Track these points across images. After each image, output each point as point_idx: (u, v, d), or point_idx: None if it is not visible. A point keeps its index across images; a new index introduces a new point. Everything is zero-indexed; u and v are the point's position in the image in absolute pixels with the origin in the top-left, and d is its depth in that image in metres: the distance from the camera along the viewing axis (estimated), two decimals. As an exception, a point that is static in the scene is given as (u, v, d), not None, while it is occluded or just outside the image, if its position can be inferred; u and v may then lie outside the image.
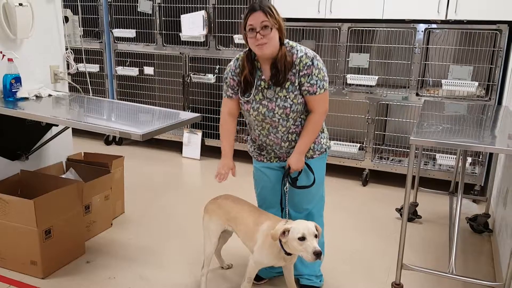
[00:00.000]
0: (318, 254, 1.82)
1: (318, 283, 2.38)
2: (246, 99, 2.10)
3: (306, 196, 2.21)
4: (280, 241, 1.93)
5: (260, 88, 2.07)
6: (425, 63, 3.74)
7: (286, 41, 2.04)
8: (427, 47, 3.73)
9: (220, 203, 2.25)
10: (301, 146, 2.09)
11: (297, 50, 2.01)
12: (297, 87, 2.02)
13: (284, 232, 1.90)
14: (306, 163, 2.15)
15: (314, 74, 1.99)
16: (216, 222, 2.22)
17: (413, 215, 3.25)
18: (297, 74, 2.00)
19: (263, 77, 2.06)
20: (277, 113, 2.05)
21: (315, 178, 2.16)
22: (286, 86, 2.02)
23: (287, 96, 2.03)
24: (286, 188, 2.17)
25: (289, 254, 1.97)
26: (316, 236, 1.88)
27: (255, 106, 2.08)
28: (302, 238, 1.86)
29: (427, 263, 2.68)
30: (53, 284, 2.37)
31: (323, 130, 2.22)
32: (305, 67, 1.98)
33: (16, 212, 2.35)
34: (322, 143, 2.19)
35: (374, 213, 3.40)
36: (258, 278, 2.43)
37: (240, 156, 3.62)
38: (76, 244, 2.63)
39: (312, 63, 1.99)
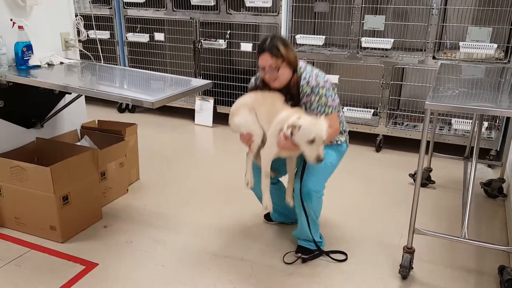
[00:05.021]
0: (320, 161, 1.93)
1: (313, 245, 2.37)
2: None
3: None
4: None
5: None
6: (443, 25, 3.62)
7: (299, 66, 2.16)
8: (445, 8, 3.60)
9: (241, 100, 2.29)
10: None
11: (302, 78, 2.15)
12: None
13: (295, 127, 1.95)
14: None
15: (314, 101, 2.13)
16: (247, 113, 2.22)
17: (426, 181, 3.24)
18: (301, 101, 2.18)
19: None
20: None
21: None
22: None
23: None
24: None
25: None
26: (323, 142, 1.94)
27: None
28: (312, 142, 1.92)
29: (439, 228, 2.69)
30: (73, 248, 2.45)
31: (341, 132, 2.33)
32: (305, 96, 2.15)
33: (34, 179, 2.40)
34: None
35: (388, 179, 3.39)
36: (268, 219, 2.72)
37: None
38: (93, 210, 2.69)
39: (312, 91, 2.12)
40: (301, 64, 2.19)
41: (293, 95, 2.18)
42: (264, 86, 2.25)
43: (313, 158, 1.94)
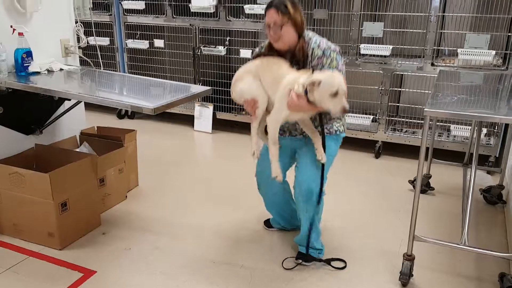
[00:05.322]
0: (346, 111, 1.92)
1: (314, 252, 2.38)
2: None
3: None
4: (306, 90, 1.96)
5: None
6: (441, 32, 3.64)
7: (306, 33, 2.12)
8: (443, 15, 3.62)
9: (244, 67, 2.23)
10: None
11: (313, 42, 2.11)
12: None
13: (313, 83, 1.92)
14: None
15: (326, 64, 2.08)
16: (251, 79, 2.17)
17: (426, 187, 3.24)
18: (309, 64, 2.11)
19: None
20: None
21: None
22: None
23: None
24: None
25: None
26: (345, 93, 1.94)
27: None
28: (335, 94, 1.90)
29: (439, 234, 2.68)
30: (71, 255, 2.44)
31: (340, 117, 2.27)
32: (315, 58, 2.09)
33: (33, 186, 2.40)
34: (333, 124, 2.26)
35: (387, 185, 3.39)
36: (268, 225, 2.71)
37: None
38: (92, 216, 2.69)
39: (324, 53, 2.08)
40: (309, 32, 2.16)
41: (298, 60, 2.12)
42: (269, 53, 2.20)
43: (339, 110, 1.92)
